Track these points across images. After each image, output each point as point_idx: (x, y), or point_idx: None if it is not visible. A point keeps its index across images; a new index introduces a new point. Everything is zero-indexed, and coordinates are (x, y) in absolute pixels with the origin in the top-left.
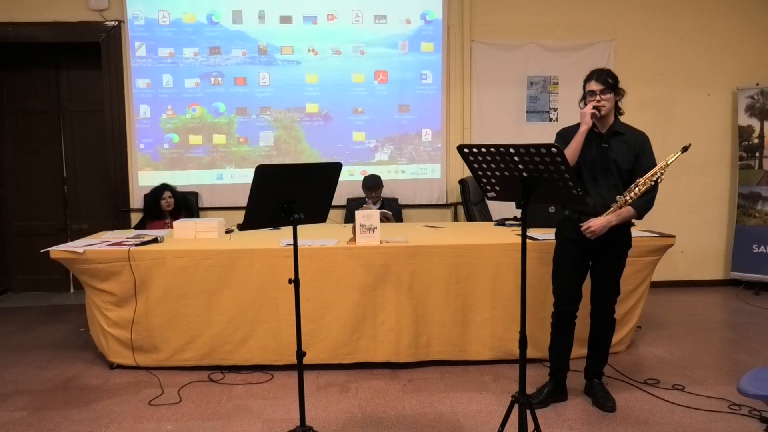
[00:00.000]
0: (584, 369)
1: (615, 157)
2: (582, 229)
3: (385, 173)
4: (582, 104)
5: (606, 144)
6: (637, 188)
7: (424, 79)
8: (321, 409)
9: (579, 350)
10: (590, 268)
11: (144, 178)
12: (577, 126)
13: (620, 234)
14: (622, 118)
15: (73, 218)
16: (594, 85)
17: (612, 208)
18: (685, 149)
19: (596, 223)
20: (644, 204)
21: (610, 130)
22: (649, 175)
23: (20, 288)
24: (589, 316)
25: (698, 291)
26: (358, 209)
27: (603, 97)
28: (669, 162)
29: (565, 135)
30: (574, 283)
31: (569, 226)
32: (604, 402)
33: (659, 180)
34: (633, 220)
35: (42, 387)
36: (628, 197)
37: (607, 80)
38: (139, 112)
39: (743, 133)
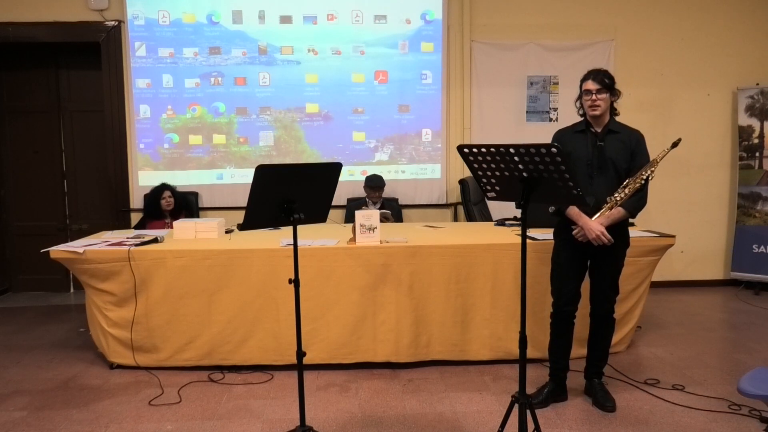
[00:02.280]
0: (584, 369)
1: (611, 156)
2: (573, 233)
3: (385, 173)
4: (578, 103)
5: (602, 142)
6: (627, 188)
7: (424, 79)
8: (321, 409)
9: (579, 350)
10: (589, 267)
11: (144, 178)
12: (573, 126)
13: (618, 234)
14: (621, 118)
15: (73, 218)
16: (590, 85)
17: (602, 210)
18: (674, 145)
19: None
20: (635, 203)
21: (606, 128)
22: (637, 175)
23: (20, 288)
24: (588, 316)
25: (698, 291)
26: (358, 209)
27: (598, 96)
28: (659, 159)
29: (560, 138)
30: (573, 283)
31: (568, 226)
32: (604, 402)
33: (650, 177)
34: (631, 220)
35: (42, 387)
36: (618, 198)
37: (603, 80)
38: (139, 112)
39: (743, 133)
